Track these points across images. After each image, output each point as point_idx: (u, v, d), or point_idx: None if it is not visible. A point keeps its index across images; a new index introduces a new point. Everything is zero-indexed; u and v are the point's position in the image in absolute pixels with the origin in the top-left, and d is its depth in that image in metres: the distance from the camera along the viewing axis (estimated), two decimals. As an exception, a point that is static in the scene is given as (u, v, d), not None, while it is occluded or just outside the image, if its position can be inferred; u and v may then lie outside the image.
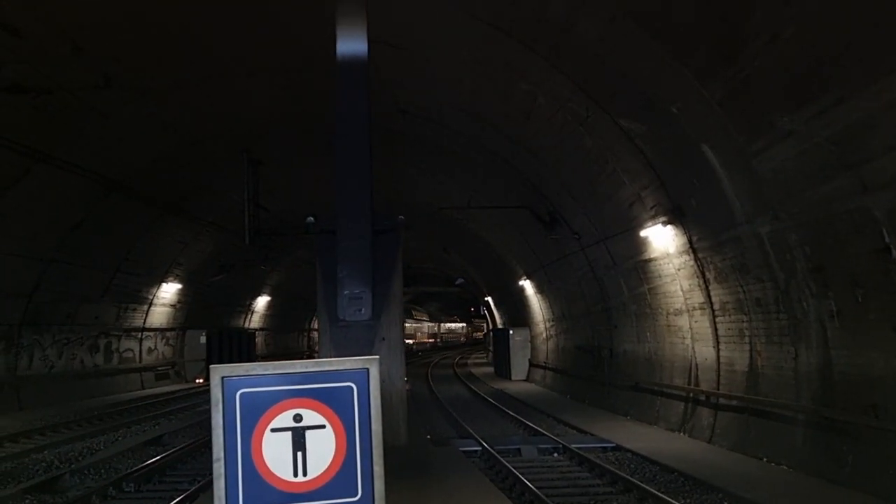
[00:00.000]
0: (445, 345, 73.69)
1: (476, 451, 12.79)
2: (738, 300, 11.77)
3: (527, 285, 27.02)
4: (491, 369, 37.41)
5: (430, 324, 73.88)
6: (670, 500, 8.69)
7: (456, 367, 41.32)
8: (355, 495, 2.52)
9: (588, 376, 20.64)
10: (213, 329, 31.09)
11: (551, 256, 21.32)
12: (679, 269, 13.49)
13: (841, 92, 7.70)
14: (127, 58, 13.19)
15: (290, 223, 22.50)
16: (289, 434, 2.49)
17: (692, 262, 12.85)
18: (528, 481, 9.87)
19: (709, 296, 12.70)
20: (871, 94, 7.37)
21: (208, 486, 10.33)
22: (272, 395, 2.49)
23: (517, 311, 31.23)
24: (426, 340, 71.07)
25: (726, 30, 8.64)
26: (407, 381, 12.14)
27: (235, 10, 12.45)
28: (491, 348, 43.67)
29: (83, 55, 11.55)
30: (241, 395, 2.47)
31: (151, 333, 27.01)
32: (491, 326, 46.93)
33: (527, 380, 29.55)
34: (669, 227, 12.98)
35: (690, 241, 12.62)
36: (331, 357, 9.47)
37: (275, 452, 2.48)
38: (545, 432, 14.57)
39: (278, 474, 2.48)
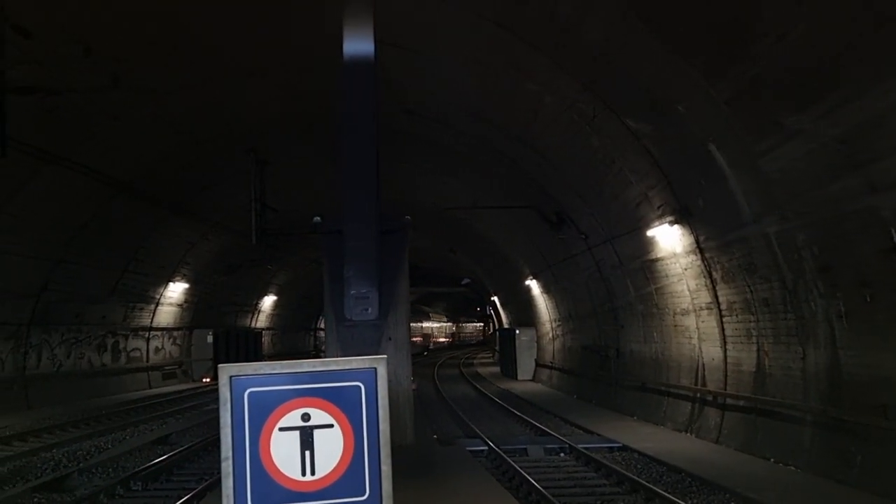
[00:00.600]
0: (462, 343, 78.81)
1: (482, 450, 12.79)
2: (745, 300, 11.73)
3: (533, 285, 27.01)
4: (497, 369, 37.41)
5: (448, 324, 78.75)
6: (677, 500, 8.68)
7: (462, 366, 41.33)
8: (363, 494, 2.53)
9: (594, 376, 20.61)
10: (219, 328, 31.19)
11: (558, 256, 21.30)
12: (686, 269, 13.45)
13: (848, 91, 7.67)
14: (135, 59, 13.25)
15: (297, 223, 22.55)
16: (297, 433, 2.50)
17: (699, 262, 12.82)
18: (535, 481, 9.87)
19: (716, 296, 12.67)
20: (879, 94, 7.34)
21: (215, 484, 10.37)
22: (280, 394, 2.50)
23: (523, 310, 31.21)
24: (444, 339, 76.84)
25: (734, 29, 8.61)
26: (414, 380, 12.15)
27: (241, 11, 12.49)
28: (497, 348, 43.66)
29: (92, 57, 11.62)
30: (250, 394, 2.48)
31: (158, 333, 27.11)
32: (497, 326, 46.92)
33: (533, 380, 29.54)
34: (676, 226, 12.95)
35: (697, 241, 12.59)
36: (337, 356, 9.49)
37: (283, 451, 2.49)
38: (551, 432, 14.56)
39: (286, 473, 2.49)
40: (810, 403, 10.15)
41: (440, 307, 76.62)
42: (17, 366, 18.61)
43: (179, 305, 28.04)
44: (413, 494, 7.01)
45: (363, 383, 2.55)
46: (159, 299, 26.15)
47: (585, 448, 12.51)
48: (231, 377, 2.46)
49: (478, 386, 27.45)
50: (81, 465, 11.71)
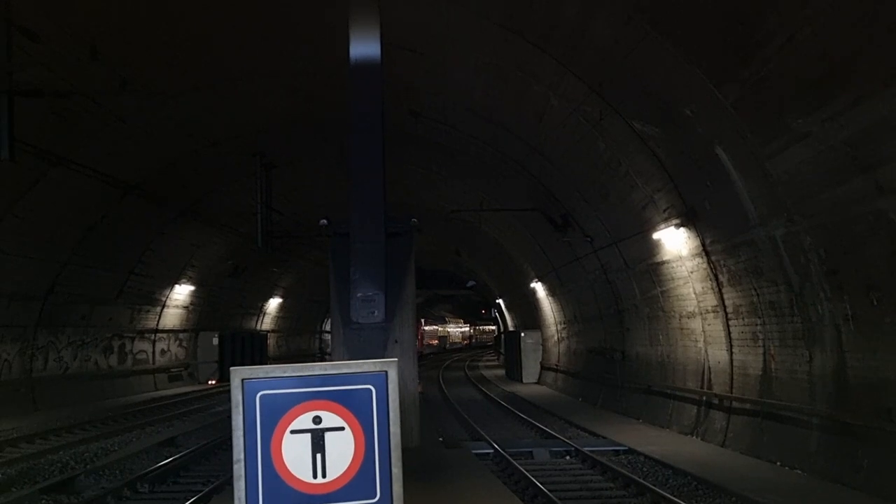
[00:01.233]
0: (477, 344, 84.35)
1: (488, 453, 12.78)
2: (751, 303, 11.71)
3: (538, 288, 26.99)
4: (502, 372, 37.38)
5: (465, 328, 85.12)
6: (683, 503, 8.66)
7: (467, 369, 41.33)
8: (374, 497, 2.54)
9: (600, 379, 20.59)
10: (225, 331, 31.25)
11: (563, 259, 21.30)
12: (692, 272, 13.44)
13: (856, 94, 7.66)
14: (143, 62, 13.32)
15: (303, 226, 22.64)
16: (308, 436, 2.52)
17: (705, 265, 12.80)
18: (541, 484, 9.86)
19: (722, 299, 12.65)
20: (887, 97, 7.33)
21: (222, 487, 10.39)
22: (292, 397, 2.52)
23: (529, 313, 31.19)
24: (461, 340, 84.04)
25: (741, 32, 8.62)
26: (420, 382, 12.16)
27: (249, 15, 12.54)
28: (502, 351, 43.64)
29: (100, 59, 11.68)
30: (261, 396, 2.50)
31: (164, 335, 27.18)
32: (502, 329, 46.90)
33: (538, 382, 29.51)
34: (682, 229, 12.94)
35: (703, 244, 12.57)
36: (344, 359, 9.51)
37: (294, 454, 2.51)
38: (557, 435, 14.55)
39: (298, 476, 2.50)
40: (817, 407, 10.12)
41: (447, 309, 77.40)
42: (24, 368, 18.68)
43: (185, 308, 28.11)
44: (420, 497, 7.02)
45: (374, 386, 2.56)
46: (165, 301, 26.22)
47: (591, 451, 12.48)
48: (243, 380, 2.47)
49: (483, 389, 27.44)
50: (89, 466, 11.74)
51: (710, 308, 13.23)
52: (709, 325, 13.43)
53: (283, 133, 18.92)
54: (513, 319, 38.42)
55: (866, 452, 9.03)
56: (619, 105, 12.30)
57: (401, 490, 2.54)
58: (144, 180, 18.71)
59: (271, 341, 38.64)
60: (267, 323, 38.29)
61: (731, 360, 12.70)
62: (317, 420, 2.53)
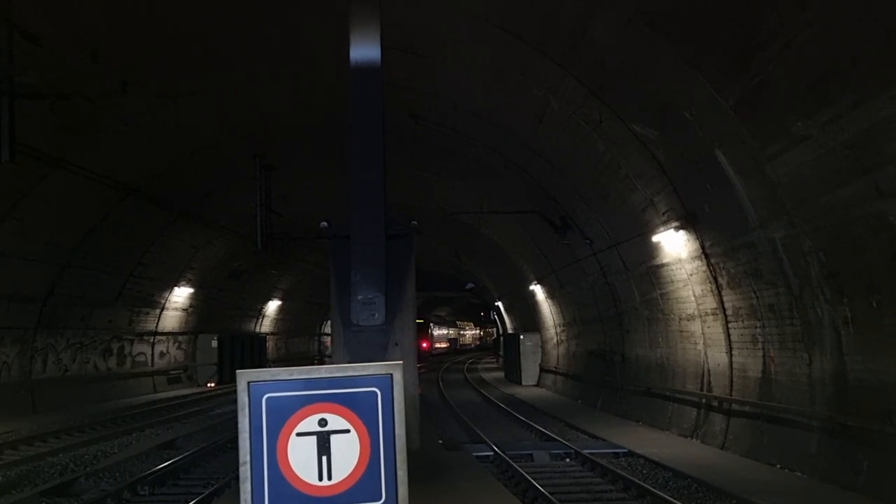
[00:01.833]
0: (486, 345, 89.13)
1: (488, 455, 12.78)
2: (751, 306, 11.73)
3: (538, 290, 27.01)
4: (501, 374, 37.38)
5: (474, 331, 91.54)
6: (684, 506, 8.68)
7: (466, 371, 41.31)
8: (379, 499, 2.55)
9: (599, 381, 20.60)
10: (224, 333, 31.22)
11: (563, 261, 21.31)
12: (691, 275, 13.46)
13: (856, 97, 7.69)
14: (144, 64, 13.32)
15: (302, 228, 22.62)
16: (314, 438, 2.53)
17: (705, 268, 12.82)
18: (541, 486, 9.87)
19: (721, 301, 12.66)
20: (887, 99, 7.35)
21: (222, 489, 10.39)
22: (298, 399, 2.53)
23: (528, 315, 31.20)
24: (470, 342, 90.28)
25: (741, 35, 8.64)
26: (419, 385, 12.16)
27: (250, 18, 12.56)
28: (501, 353, 43.64)
29: (101, 62, 11.69)
30: (267, 399, 2.51)
31: (164, 337, 27.16)
32: (501, 331, 46.92)
33: (537, 385, 29.51)
34: (682, 232, 12.96)
35: (703, 247, 12.59)
36: (344, 361, 9.52)
37: (300, 456, 2.51)
38: (557, 437, 14.55)
39: (303, 478, 2.51)
40: (816, 409, 10.13)
41: (446, 311, 78.25)
42: (23, 370, 18.67)
43: (184, 310, 28.10)
44: (424, 500, 7.02)
45: (379, 389, 2.57)
46: (164, 304, 26.21)
47: (591, 453, 12.49)
48: (249, 383, 2.48)
49: (482, 391, 27.44)
50: (88, 469, 11.74)
51: (709, 310, 13.24)
52: (708, 327, 13.44)
53: (282, 135, 18.93)
54: (512, 322, 38.42)
55: (866, 455, 9.04)
56: (619, 108, 12.33)
57: (406, 492, 2.55)
58: (144, 182, 18.72)
59: (270, 343, 38.62)
60: (266, 325, 38.28)
61: (731, 363, 12.71)
62: (322, 422, 2.54)
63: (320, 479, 2.52)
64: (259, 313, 37.01)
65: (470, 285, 45.22)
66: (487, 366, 49.82)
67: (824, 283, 9.57)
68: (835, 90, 7.90)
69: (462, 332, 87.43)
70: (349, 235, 9.38)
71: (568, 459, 12.85)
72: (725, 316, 12.66)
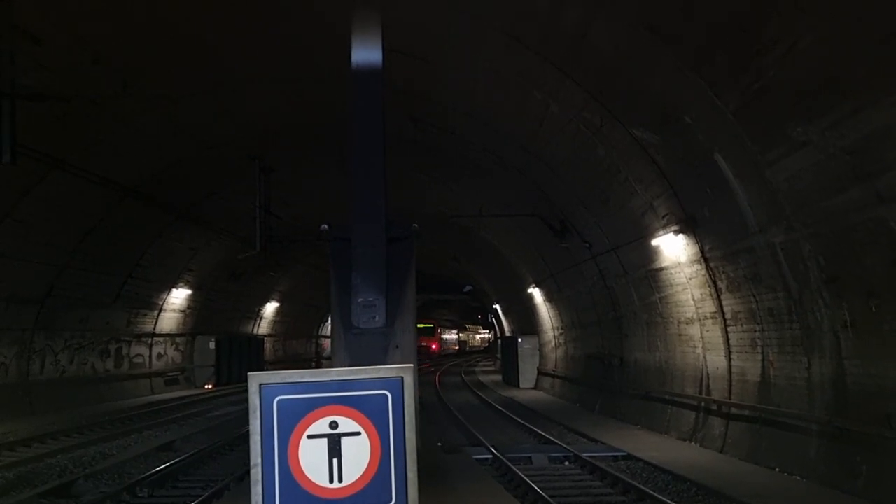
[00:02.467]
0: (494, 347, 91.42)
1: (487, 458, 12.79)
2: (750, 310, 11.76)
3: (536, 293, 27.03)
4: (499, 377, 37.38)
5: (483, 334, 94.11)
6: (684, 509, 8.69)
7: (464, 374, 41.31)
8: (389, 501, 2.56)
9: (598, 385, 20.62)
10: (222, 335, 31.19)
11: (561, 265, 21.34)
12: (691, 279, 13.49)
13: (856, 103, 7.72)
14: (145, 66, 13.33)
15: (301, 230, 22.61)
16: (325, 441, 2.54)
17: (704, 272, 12.85)
18: (541, 489, 9.87)
19: (720, 305, 12.69)
20: (887, 105, 7.39)
21: (221, 492, 10.39)
22: (309, 402, 2.54)
23: (526, 319, 31.22)
24: (479, 345, 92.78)
25: (742, 40, 8.68)
26: (417, 389, 12.15)
27: (250, 19, 12.57)
28: (499, 356, 43.65)
29: (103, 63, 11.71)
30: (279, 402, 2.52)
31: (161, 339, 27.13)
32: (499, 334, 46.93)
33: (535, 388, 29.52)
34: (681, 236, 12.99)
35: (702, 251, 12.62)
36: (345, 364, 9.52)
37: (311, 459, 2.53)
38: (556, 440, 14.56)
39: (314, 480, 2.52)
40: (815, 413, 10.16)
41: (443, 314, 78.84)
42: (21, 371, 18.63)
43: (182, 312, 28.07)
44: (424, 502, 7.03)
45: (390, 392, 2.59)
46: (162, 305, 26.18)
47: (590, 456, 12.50)
48: (261, 385, 2.50)
49: (480, 394, 27.44)
50: (87, 471, 11.73)
51: (708, 314, 13.27)
52: (707, 331, 13.47)
53: (282, 137, 18.94)
54: (510, 324, 38.44)
55: (865, 459, 9.06)
56: (619, 112, 12.36)
57: (416, 495, 2.56)
58: (143, 183, 18.70)
59: (268, 345, 38.58)
60: (264, 327, 38.24)
61: (730, 367, 12.74)
62: (333, 425, 2.55)
63: (331, 481, 2.53)
64: (257, 315, 36.99)
65: (468, 288, 45.27)
66: (485, 368, 49.82)
67: (824, 287, 9.60)
68: (835, 96, 7.93)
69: (472, 335, 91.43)
70: (350, 238, 9.40)
71: (567, 462, 12.87)
72: (724, 320, 12.69)
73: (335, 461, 2.53)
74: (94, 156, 16.19)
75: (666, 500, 9.15)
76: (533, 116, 14.56)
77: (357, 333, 9.29)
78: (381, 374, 2.60)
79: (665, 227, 13.45)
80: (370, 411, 2.57)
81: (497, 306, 40.24)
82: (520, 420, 18.14)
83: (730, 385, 12.74)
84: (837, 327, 9.51)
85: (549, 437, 15.12)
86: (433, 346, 63.26)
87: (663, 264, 14.36)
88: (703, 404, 13.79)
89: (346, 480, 2.54)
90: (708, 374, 13.64)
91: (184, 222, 22.68)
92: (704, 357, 13.74)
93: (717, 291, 12.65)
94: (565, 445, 13.78)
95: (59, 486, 10.40)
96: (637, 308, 16.83)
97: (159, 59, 13.45)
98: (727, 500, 9.29)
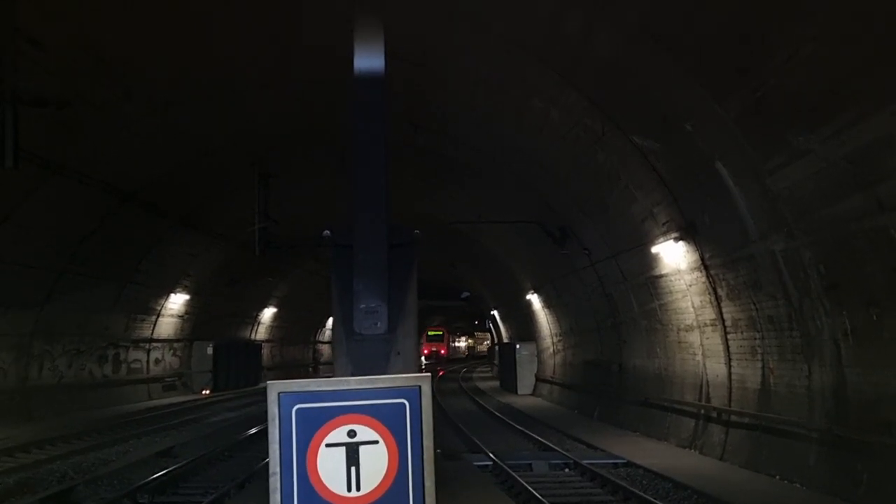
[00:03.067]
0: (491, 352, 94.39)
1: (487, 465, 12.78)
2: (750, 317, 11.79)
3: (534, 299, 27.04)
4: (496, 383, 37.36)
5: (489, 341, 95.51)
6: (685, 517, 8.69)
7: (461, 380, 41.26)
8: (407, 510, 2.57)
9: (596, 391, 20.62)
10: (220, 340, 31.13)
11: (560, 271, 21.36)
12: (690, 286, 13.52)
13: (858, 111, 7.77)
14: (146, 71, 13.34)
15: (300, 235, 22.61)
16: (343, 449, 2.55)
17: (704, 279, 12.88)
18: (543, 497, 9.87)
19: (720, 312, 12.72)
20: (889, 114, 7.44)
21: (221, 499, 10.37)
22: (327, 410, 2.55)
23: (524, 325, 31.22)
24: (485, 350, 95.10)
25: (743, 48, 8.73)
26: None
27: (252, 25, 12.61)
28: (496, 362, 43.61)
29: (105, 68, 11.71)
30: (297, 410, 2.54)
31: (159, 344, 27.07)
32: (496, 340, 46.90)
33: (533, 394, 29.51)
34: (681, 243, 13.02)
35: (703, 258, 12.65)
36: (346, 370, 9.52)
37: (329, 467, 2.54)
38: (555, 447, 14.55)
39: (332, 489, 2.53)
40: (816, 421, 10.18)
41: (440, 321, 79.21)
42: (19, 376, 18.57)
43: (180, 317, 28.02)
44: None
45: (408, 401, 2.60)
46: (160, 311, 26.12)
47: (590, 463, 12.50)
48: (279, 394, 2.51)
49: (478, 400, 27.41)
50: (87, 477, 11.68)
51: (708, 321, 13.30)
52: (707, 338, 13.49)
53: (281, 142, 18.96)
54: (507, 331, 38.43)
55: (866, 466, 9.08)
56: (620, 119, 12.41)
57: (434, 503, 2.57)
58: (142, 188, 18.69)
59: (265, 351, 38.51)
60: (261, 332, 38.18)
61: (730, 374, 12.76)
62: (351, 434, 2.56)
63: (349, 489, 2.54)
64: (255, 321, 36.93)
65: (465, 294, 45.22)
66: (482, 374, 49.78)
67: (824, 295, 9.63)
68: (836, 105, 7.99)
69: (480, 342, 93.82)
70: (352, 244, 9.42)
71: (567, 469, 12.86)
72: (724, 327, 12.71)
73: (353, 469, 2.54)
74: (95, 161, 16.17)
75: (667, 507, 9.16)
76: (533, 123, 14.61)
77: (359, 340, 9.30)
78: (399, 384, 2.61)
79: (665, 234, 13.49)
80: (388, 420, 2.58)
81: (495, 312, 40.23)
82: (519, 427, 18.13)
83: (730, 392, 12.76)
84: (838, 335, 9.54)
85: (548, 443, 15.11)
86: (442, 351, 75.24)
87: (663, 271, 14.39)
88: (702, 411, 13.80)
89: (364, 489, 2.55)
90: (708, 382, 13.66)
91: (183, 227, 22.66)
92: (704, 364, 13.76)
93: (717, 299, 12.68)
94: (565, 452, 13.77)
95: (59, 493, 10.36)
96: (636, 315, 16.86)
97: (161, 65, 13.46)
98: (728, 508, 9.30)
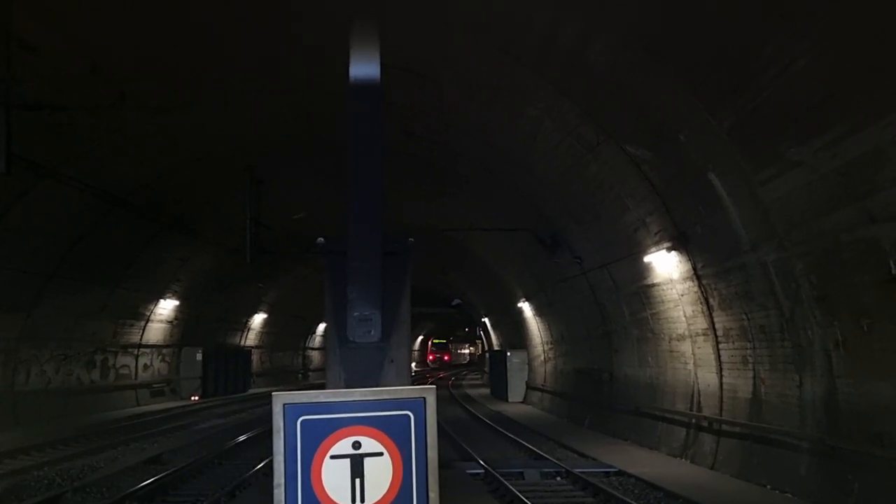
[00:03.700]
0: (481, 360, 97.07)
1: (479, 473, 12.77)
2: (741, 327, 11.85)
3: (525, 307, 27.06)
4: (486, 391, 37.32)
5: None
6: (678, 526, 8.71)
7: (452, 388, 41.21)
8: (411, 522, 2.57)
9: (587, 400, 20.64)
10: (209, 346, 30.96)
11: (552, 279, 21.40)
12: (682, 295, 13.57)
13: (849, 124, 7.85)
14: (142, 76, 13.30)
15: (291, 241, 22.57)
16: (348, 461, 2.55)
17: (696, 289, 12.94)
18: (534, 506, 9.87)
19: (712, 322, 12.78)
20: (880, 127, 7.52)
21: (212, 506, 10.30)
22: (332, 422, 2.55)
23: (515, 333, 31.23)
24: None
25: (737, 60, 8.80)
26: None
27: (245, 31, 12.59)
28: (487, 370, 43.58)
29: (100, 73, 11.67)
30: (302, 422, 2.53)
31: (148, 350, 26.89)
32: (487, 348, 46.89)
33: (524, 402, 29.51)
34: (673, 253, 13.09)
35: (695, 268, 12.72)
36: (340, 378, 9.50)
37: (334, 479, 2.53)
38: (547, 456, 14.55)
39: (337, 500, 2.53)
40: (807, 431, 10.23)
41: (429, 328, 79.39)
42: (6, 381, 18.40)
43: (169, 322, 27.86)
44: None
45: (412, 412, 2.60)
46: (149, 316, 25.97)
47: (581, 472, 12.50)
48: (285, 405, 2.50)
49: (469, 408, 27.38)
50: (76, 484, 11.59)
51: (700, 331, 13.35)
52: (699, 347, 13.54)
53: (274, 148, 18.91)
54: (498, 338, 38.42)
55: (857, 477, 9.13)
56: (613, 129, 12.47)
57: (438, 515, 2.57)
58: (133, 193, 18.60)
59: (255, 357, 38.33)
60: (251, 339, 38.00)
61: (721, 384, 12.81)
62: (356, 445, 2.56)
63: (353, 501, 2.54)
64: (245, 326, 36.76)
65: (456, 301, 45.18)
66: (472, 382, 49.74)
67: (815, 305, 9.70)
68: (828, 117, 8.06)
69: (480, 349, 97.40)
70: (346, 252, 9.41)
71: (559, 478, 12.86)
72: (716, 336, 12.77)
73: (358, 481, 2.54)
74: (86, 165, 16.09)
75: (659, 516, 9.17)
76: (527, 132, 14.65)
77: (352, 348, 9.28)
78: (404, 395, 2.61)
79: (657, 243, 13.55)
80: (393, 432, 2.58)
81: (486, 320, 40.22)
82: (510, 435, 18.12)
83: (721, 402, 12.81)
84: (829, 346, 9.61)
85: (539, 452, 15.11)
86: (446, 357, 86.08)
87: (655, 280, 14.45)
88: (693, 421, 13.84)
89: (369, 501, 2.54)
90: (699, 391, 13.70)
91: (173, 232, 22.54)
92: (695, 373, 13.81)
93: (709, 308, 12.74)
94: (556, 461, 13.77)
95: (47, 500, 10.27)
96: (628, 323, 16.90)
97: (154, 70, 13.42)
98: (720, 517, 9.32)
